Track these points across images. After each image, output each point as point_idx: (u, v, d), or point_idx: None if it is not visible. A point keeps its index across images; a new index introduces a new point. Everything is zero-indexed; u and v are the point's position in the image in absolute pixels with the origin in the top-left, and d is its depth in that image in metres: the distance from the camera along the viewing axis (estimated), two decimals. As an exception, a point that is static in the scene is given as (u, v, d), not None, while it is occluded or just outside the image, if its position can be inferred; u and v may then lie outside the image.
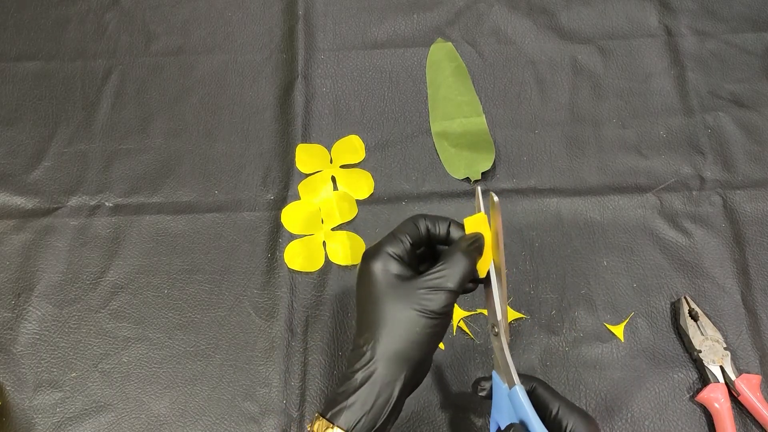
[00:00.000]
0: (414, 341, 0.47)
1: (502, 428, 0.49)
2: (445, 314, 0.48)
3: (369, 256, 0.50)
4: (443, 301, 0.47)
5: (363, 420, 0.46)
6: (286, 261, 0.67)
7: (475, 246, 0.50)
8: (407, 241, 0.50)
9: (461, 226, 0.52)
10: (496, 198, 0.49)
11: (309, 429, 0.47)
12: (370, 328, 0.48)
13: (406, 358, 0.47)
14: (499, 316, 0.51)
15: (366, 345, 0.48)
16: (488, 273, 0.51)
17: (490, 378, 0.52)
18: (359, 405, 0.46)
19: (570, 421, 0.49)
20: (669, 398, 0.61)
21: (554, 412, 0.50)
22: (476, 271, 0.51)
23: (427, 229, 0.52)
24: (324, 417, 0.47)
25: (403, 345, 0.47)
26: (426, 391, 0.61)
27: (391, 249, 0.50)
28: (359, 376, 0.47)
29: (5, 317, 0.65)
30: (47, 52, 0.78)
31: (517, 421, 0.48)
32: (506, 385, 0.50)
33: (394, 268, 0.49)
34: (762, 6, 0.80)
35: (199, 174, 0.72)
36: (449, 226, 0.52)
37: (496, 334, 0.51)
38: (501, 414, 0.50)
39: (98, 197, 0.70)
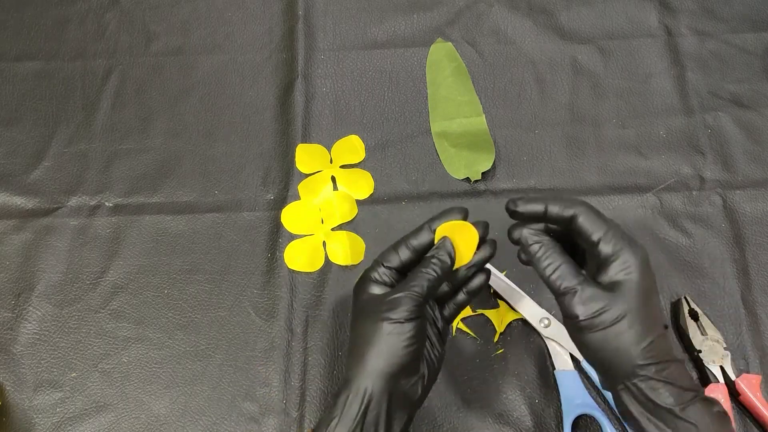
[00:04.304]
0: (386, 352, 0.48)
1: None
2: (410, 320, 0.48)
3: (355, 284, 0.53)
4: (405, 306, 0.48)
5: None
6: (286, 261, 0.67)
7: (440, 254, 0.51)
8: (386, 266, 0.52)
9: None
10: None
11: None
12: (350, 348, 0.51)
13: (380, 370, 0.47)
14: (543, 312, 0.62)
15: (349, 366, 0.50)
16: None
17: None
18: (345, 421, 0.47)
19: (618, 254, 0.46)
20: (669, 398, 0.61)
21: (596, 241, 0.47)
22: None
23: (413, 250, 0.53)
24: None
25: (375, 359, 0.48)
26: (426, 391, 0.61)
27: (372, 274, 0.52)
28: (342, 395, 0.48)
29: (5, 317, 0.65)
30: (47, 52, 0.78)
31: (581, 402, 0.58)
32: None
33: (376, 289, 0.51)
34: (762, 6, 0.80)
35: (199, 174, 0.72)
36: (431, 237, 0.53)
37: (548, 326, 0.61)
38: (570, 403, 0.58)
39: (98, 197, 0.70)
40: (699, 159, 0.71)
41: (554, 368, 0.61)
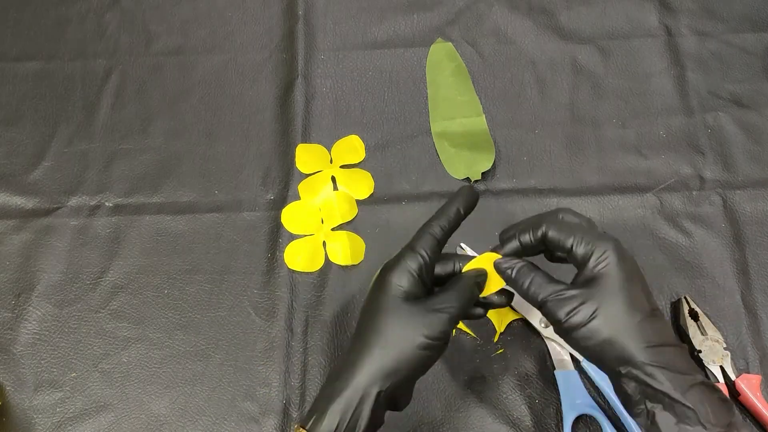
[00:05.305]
0: (404, 360, 0.48)
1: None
2: (442, 339, 0.48)
3: (388, 268, 0.51)
4: (443, 326, 0.48)
5: (341, 429, 0.46)
6: (286, 261, 0.67)
7: (479, 280, 0.52)
8: (426, 255, 0.51)
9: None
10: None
11: None
12: (365, 339, 0.49)
13: (390, 374, 0.47)
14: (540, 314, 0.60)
15: (356, 354, 0.48)
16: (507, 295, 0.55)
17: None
18: (338, 413, 0.47)
19: (591, 252, 0.48)
20: (669, 398, 0.61)
21: (570, 247, 0.49)
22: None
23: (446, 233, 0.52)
24: (304, 427, 0.47)
25: (391, 362, 0.48)
26: (426, 391, 0.61)
27: (410, 264, 0.50)
28: (343, 385, 0.47)
29: (5, 317, 0.65)
30: (47, 52, 0.78)
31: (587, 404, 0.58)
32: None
33: (409, 284, 0.50)
34: (762, 6, 0.80)
35: (199, 174, 0.72)
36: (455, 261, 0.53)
37: (547, 326, 0.61)
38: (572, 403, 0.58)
39: (98, 197, 0.70)
40: (699, 159, 0.71)
41: (554, 368, 0.61)
